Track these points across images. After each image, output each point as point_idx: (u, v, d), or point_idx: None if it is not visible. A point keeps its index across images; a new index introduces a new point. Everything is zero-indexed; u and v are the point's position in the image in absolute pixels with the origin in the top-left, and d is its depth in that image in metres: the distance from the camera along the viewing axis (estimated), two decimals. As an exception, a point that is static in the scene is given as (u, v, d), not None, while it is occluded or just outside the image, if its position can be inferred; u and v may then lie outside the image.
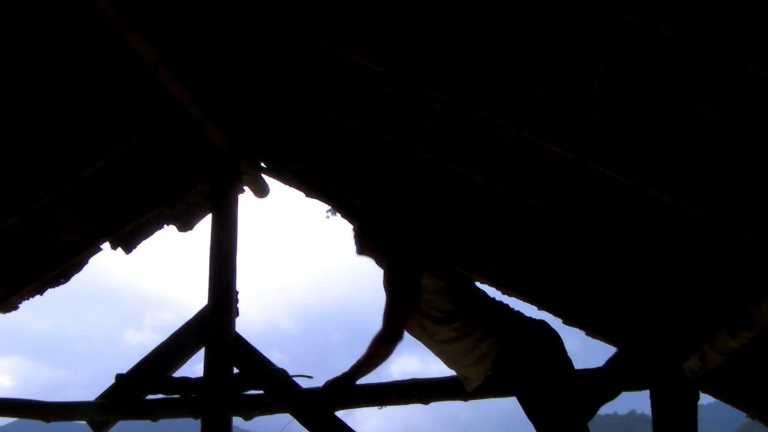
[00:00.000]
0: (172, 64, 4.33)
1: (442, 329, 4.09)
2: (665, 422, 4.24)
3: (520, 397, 3.97)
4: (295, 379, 4.88)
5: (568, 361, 4.02)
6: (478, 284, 4.39)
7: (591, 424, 3.90)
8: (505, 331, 3.97)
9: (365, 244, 4.36)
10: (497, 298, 4.27)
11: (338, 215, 5.21)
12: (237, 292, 5.26)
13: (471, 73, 3.36)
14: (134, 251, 5.80)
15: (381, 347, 4.11)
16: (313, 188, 5.12)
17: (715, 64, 2.53)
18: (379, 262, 4.30)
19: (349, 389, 4.34)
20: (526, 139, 3.48)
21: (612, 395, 4.33)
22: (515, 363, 3.94)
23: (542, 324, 4.10)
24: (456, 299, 4.07)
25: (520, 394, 3.97)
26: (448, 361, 4.22)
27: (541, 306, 4.70)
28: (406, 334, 4.21)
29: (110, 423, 5.33)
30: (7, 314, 5.98)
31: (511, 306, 4.24)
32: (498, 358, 3.95)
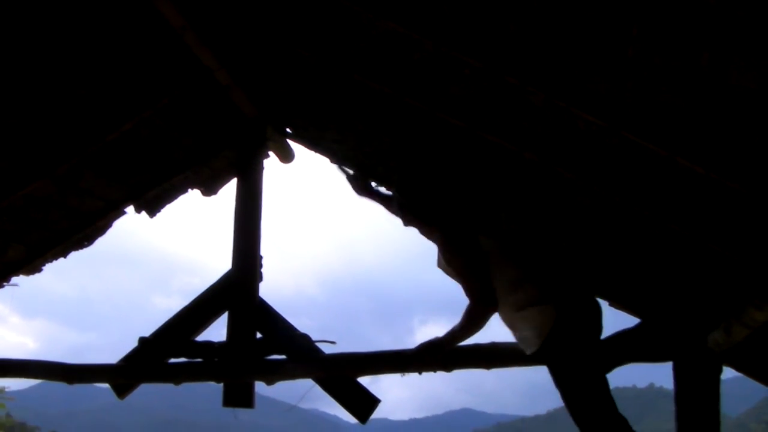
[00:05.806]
0: (199, 29, 4.32)
1: (507, 297, 4.01)
2: (688, 395, 4.23)
3: (553, 369, 3.94)
4: (318, 344, 4.91)
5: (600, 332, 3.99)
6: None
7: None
8: (562, 302, 3.90)
9: (408, 218, 4.27)
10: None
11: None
12: (261, 257, 5.26)
13: (502, 39, 3.34)
14: (158, 215, 5.80)
15: (474, 317, 4.08)
16: (340, 157, 5.09)
17: (754, 33, 2.51)
18: (427, 234, 4.27)
19: (441, 353, 4.39)
20: (557, 106, 3.45)
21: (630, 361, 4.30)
22: (565, 337, 3.90)
23: (592, 298, 4.06)
24: (515, 264, 4.01)
25: (555, 366, 3.94)
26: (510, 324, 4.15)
27: (566, 276, 4.67)
28: None
29: (133, 386, 5.37)
30: (31, 277, 6.02)
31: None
32: (553, 327, 3.88)
